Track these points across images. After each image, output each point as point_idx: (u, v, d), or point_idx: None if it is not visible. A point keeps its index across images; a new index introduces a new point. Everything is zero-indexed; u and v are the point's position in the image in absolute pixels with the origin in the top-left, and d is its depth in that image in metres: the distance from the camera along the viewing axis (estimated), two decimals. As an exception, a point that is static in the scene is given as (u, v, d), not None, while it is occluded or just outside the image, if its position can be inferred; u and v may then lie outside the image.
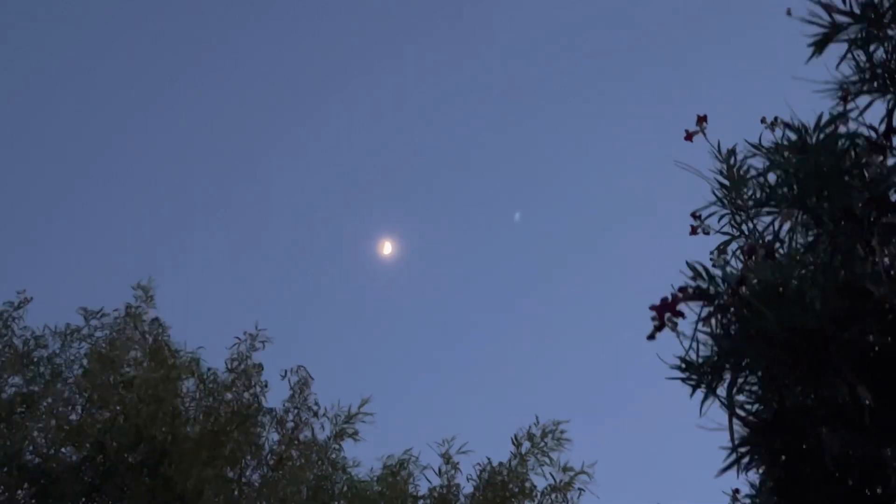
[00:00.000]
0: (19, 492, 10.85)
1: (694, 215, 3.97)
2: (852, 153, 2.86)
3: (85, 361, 11.55)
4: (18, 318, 11.85)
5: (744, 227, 3.90)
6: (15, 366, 11.47)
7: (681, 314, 2.80)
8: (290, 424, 11.79)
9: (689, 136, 4.12)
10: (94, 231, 21.49)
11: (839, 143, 2.87)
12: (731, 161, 4.04)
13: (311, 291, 22.64)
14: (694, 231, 4.05)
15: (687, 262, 3.11)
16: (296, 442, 11.61)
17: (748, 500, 3.39)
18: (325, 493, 11.25)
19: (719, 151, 4.07)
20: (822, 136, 2.88)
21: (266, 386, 11.75)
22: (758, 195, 3.45)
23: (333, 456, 11.67)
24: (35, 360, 11.62)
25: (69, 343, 11.81)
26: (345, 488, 11.34)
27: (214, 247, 22.31)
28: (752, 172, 3.80)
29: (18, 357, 11.53)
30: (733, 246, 3.94)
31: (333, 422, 11.83)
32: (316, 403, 11.98)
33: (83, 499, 10.64)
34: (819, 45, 3.05)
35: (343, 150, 22.79)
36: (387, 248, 19.23)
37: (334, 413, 11.86)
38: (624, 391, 20.86)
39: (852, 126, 2.99)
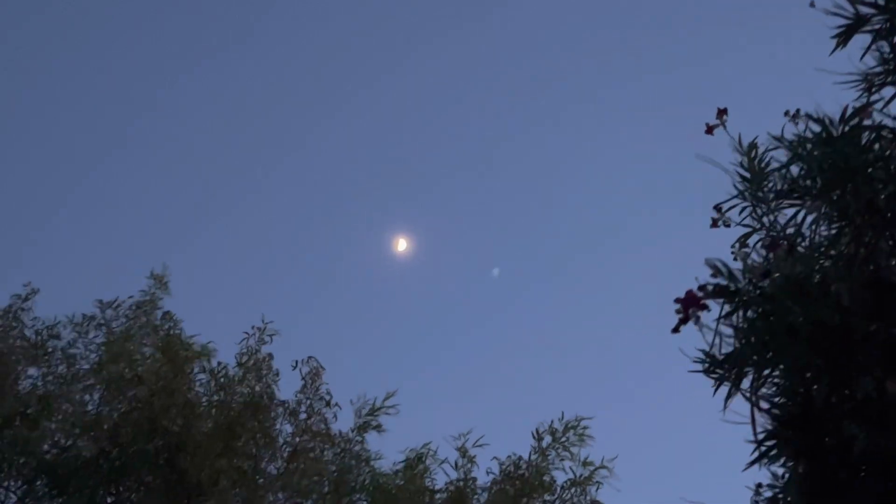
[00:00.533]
0: (37, 484, 10.92)
1: (717, 208, 3.95)
2: (876, 146, 2.85)
3: (101, 350, 11.61)
4: (28, 309, 11.94)
5: (764, 219, 3.87)
6: (29, 357, 11.54)
7: (706, 307, 2.80)
8: (302, 415, 11.86)
9: (709, 130, 4.10)
10: (106, 224, 21.56)
11: (864, 136, 2.86)
12: (753, 154, 4.01)
13: (326, 287, 22.67)
14: (715, 224, 4.03)
15: (706, 260, 3.10)
16: (309, 434, 11.64)
17: (770, 494, 3.38)
18: (347, 486, 11.28)
19: (740, 144, 4.04)
20: (846, 128, 2.86)
21: (277, 374, 11.81)
22: (780, 187, 3.44)
23: (357, 448, 11.69)
24: (49, 350, 11.68)
25: (84, 332, 11.90)
26: (367, 481, 11.36)
27: (229, 242, 22.36)
28: (774, 165, 3.79)
29: (33, 347, 11.60)
30: (753, 239, 3.91)
31: (357, 414, 11.86)
32: (328, 393, 12.06)
33: (100, 492, 10.69)
34: (843, 37, 3.02)
35: (359, 146, 22.80)
36: (401, 244, 19.20)
37: (358, 405, 11.89)
38: (645, 385, 20.78)
39: (877, 118, 2.97)
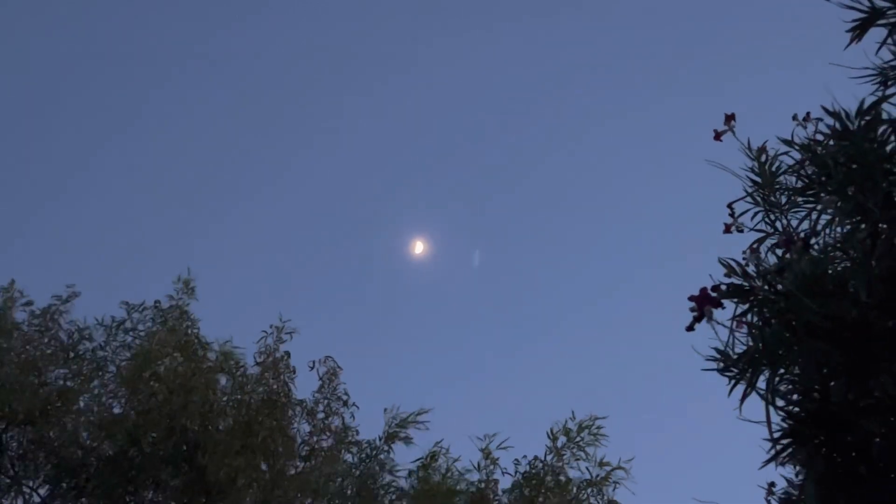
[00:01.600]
0: (63, 485, 10.89)
1: (729, 206, 3.82)
2: (893, 139, 2.73)
3: (128, 353, 11.60)
4: (65, 311, 11.95)
5: (777, 224, 3.75)
6: (59, 359, 11.53)
7: (720, 304, 2.68)
8: (320, 415, 11.79)
9: (717, 136, 3.98)
10: (128, 222, 21.57)
11: (880, 130, 2.74)
12: (763, 158, 3.89)
13: (343, 289, 22.56)
14: (728, 229, 3.90)
15: (720, 259, 3.01)
16: (327, 433, 11.58)
17: (784, 496, 3.27)
18: (370, 491, 11.20)
19: (749, 149, 3.91)
20: (862, 122, 2.74)
21: (294, 373, 11.75)
22: (794, 184, 3.33)
23: (382, 457, 11.62)
24: (80, 352, 11.67)
25: (114, 335, 11.88)
26: (408, 487, 11.28)
27: (250, 244, 22.32)
28: (787, 167, 3.67)
29: (64, 349, 11.59)
30: (766, 244, 3.79)
31: (388, 423, 11.79)
32: (345, 393, 11.97)
33: (119, 490, 10.64)
34: (858, 31, 2.90)
35: (373, 148, 22.78)
36: (418, 247, 19.08)
37: (391, 415, 11.81)
38: (659, 385, 20.58)
39: (893, 112, 2.85)
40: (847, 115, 2.79)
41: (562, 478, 11.04)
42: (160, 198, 21.82)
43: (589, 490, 10.99)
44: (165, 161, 22.14)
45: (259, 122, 22.55)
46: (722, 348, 2.89)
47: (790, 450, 2.58)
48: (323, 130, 22.60)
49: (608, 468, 11.04)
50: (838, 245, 2.86)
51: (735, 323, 2.84)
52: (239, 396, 11.32)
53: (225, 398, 11.43)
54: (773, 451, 2.61)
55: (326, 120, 22.63)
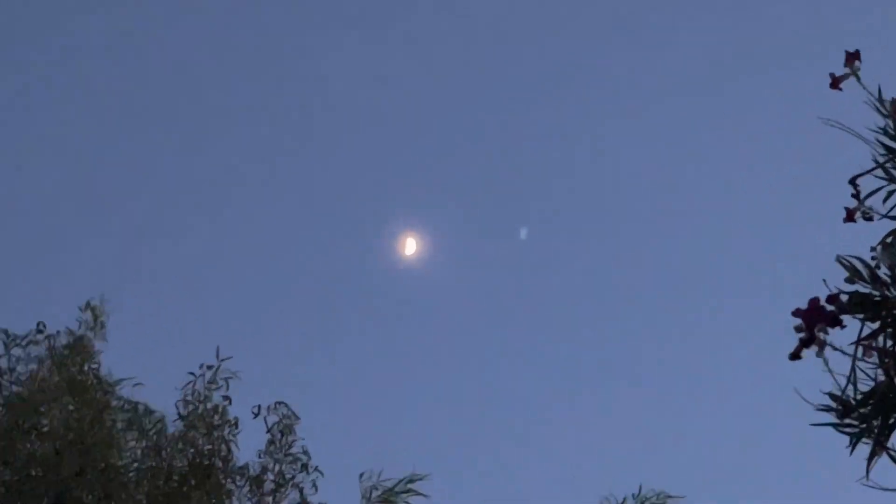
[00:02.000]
0: None
1: (853, 183, 3.77)
2: None
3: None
4: None
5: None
6: None
7: (839, 322, 2.66)
8: (269, 485, 11.76)
9: (835, 83, 3.91)
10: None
11: None
12: (901, 114, 3.84)
13: (314, 310, 22.63)
14: (850, 216, 3.86)
15: (838, 258, 2.98)
16: None
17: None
18: None
19: (881, 101, 3.86)
20: None
21: (237, 427, 11.76)
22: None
23: None
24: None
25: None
26: None
27: (185, 264, 22.47)
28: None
29: None
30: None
31: (366, 496, 11.78)
32: (305, 452, 11.92)
33: None
34: None
35: (367, 138, 23.04)
36: (409, 245, 19.14)
37: (369, 484, 11.78)
38: (752, 440, 20.48)
39: None
40: None
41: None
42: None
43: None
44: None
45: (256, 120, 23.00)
46: (839, 392, 2.87)
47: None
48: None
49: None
50: None
51: (861, 349, 2.83)
52: (154, 464, 11.31)
53: (136, 463, 11.43)
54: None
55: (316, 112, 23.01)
